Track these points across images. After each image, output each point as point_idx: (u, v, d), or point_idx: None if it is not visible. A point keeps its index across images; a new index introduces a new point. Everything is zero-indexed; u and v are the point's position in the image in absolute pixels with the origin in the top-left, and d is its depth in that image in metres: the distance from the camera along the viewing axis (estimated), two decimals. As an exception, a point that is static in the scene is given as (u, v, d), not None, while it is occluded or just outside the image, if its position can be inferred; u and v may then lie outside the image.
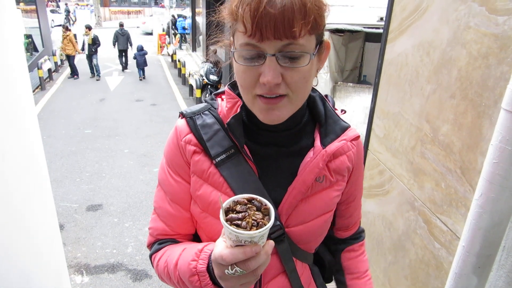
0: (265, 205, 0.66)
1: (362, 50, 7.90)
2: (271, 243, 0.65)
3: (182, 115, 0.86)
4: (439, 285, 1.28)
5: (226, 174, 0.80)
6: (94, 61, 10.94)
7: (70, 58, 10.91)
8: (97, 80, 10.93)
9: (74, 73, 10.99)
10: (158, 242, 0.90)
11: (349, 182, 0.91)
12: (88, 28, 10.92)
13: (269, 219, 0.63)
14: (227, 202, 0.65)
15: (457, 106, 1.17)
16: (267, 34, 0.64)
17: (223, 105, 0.85)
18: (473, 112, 1.10)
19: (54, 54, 11.85)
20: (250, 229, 0.61)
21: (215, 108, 0.86)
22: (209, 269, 0.72)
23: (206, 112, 0.85)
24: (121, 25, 11.88)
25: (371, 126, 1.80)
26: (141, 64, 10.67)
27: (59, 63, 12.17)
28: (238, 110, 0.80)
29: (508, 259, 0.98)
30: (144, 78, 10.99)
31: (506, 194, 0.89)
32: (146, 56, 10.71)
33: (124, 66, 11.96)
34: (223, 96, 0.87)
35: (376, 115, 1.75)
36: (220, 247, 0.64)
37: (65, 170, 5.25)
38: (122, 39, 11.42)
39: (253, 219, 0.62)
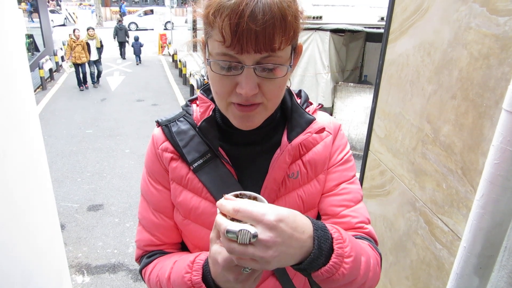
0: (252, 196, 0.67)
1: (363, 50, 7.91)
2: None
3: (157, 123, 0.87)
4: (440, 285, 1.28)
5: (204, 179, 0.80)
6: (100, 67, 10.19)
7: (82, 67, 9.62)
8: (95, 87, 10.11)
9: (85, 82, 9.78)
10: (147, 256, 0.90)
11: (328, 170, 0.87)
12: (92, 29, 9.91)
13: None
14: (219, 208, 0.65)
15: (458, 106, 1.16)
16: (248, 48, 0.63)
17: (197, 110, 0.86)
18: (474, 113, 1.09)
19: (55, 54, 11.85)
20: None
21: (190, 114, 0.86)
22: (205, 280, 0.71)
23: (181, 119, 0.85)
24: (120, 20, 14.42)
25: (372, 127, 1.80)
26: (137, 51, 13.17)
27: (60, 63, 12.17)
28: (210, 114, 0.81)
29: (510, 259, 0.98)
30: (140, 63, 13.44)
31: (507, 195, 0.89)
32: (141, 47, 13.29)
33: (123, 55, 14.20)
34: (198, 102, 0.87)
35: (377, 115, 1.75)
36: (226, 250, 0.62)
37: (66, 170, 5.26)
38: (120, 32, 13.67)
39: None
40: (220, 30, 0.63)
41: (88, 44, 9.52)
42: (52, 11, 24.64)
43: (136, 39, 13.02)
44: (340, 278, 0.63)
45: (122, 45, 13.90)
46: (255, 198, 0.67)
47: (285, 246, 0.57)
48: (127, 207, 4.39)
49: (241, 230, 0.54)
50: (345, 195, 0.85)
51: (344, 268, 0.63)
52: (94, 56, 9.83)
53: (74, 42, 9.22)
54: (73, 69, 9.58)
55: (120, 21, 14.27)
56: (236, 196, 0.67)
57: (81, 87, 9.76)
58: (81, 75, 9.65)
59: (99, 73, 10.28)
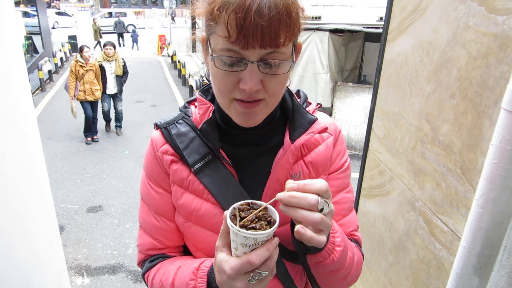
0: (262, 206, 0.67)
1: (362, 50, 7.93)
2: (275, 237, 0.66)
3: (156, 126, 0.86)
4: (440, 285, 1.28)
5: (205, 181, 0.80)
6: (119, 105, 6.42)
7: (94, 106, 6.00)
8: (118, 134, 6.65)
9: (94, 131, 6.34)
10: (149, 260, 0.90)
11: (331, 176, 0.88)
12: (112, 46, 6.01)
13: (274, 215, 0.66)
14: (229, 212, 0.65)
15: (457, 106, 1.16)
16: (253, 43, 0.63)
17: (196, 112, 0.86)
18: (473, 112, 1.09)
19: (54, 56, 11.84)
20: (265, 228, 0.63)
21: (189, 116, 0.86)
22: (210, 287, 0.71)
23: (180, 121, 0.85)
24: (118, 16, 20.01)
25: (371, 126, 1.79)
26: (135, 39, 17.48)
27: (59, 64, 12.15)
28: (210, 115, 0.81)
29: (510, 259, 0.97)
30: (138, 49, 17.56)
31: (507, 194, 0.88)
32: (138, 37, 17.66)
33: (122, 45, 18.26)
34: (196, 103, 0.87)
35: (376, 115, 1.75)
36: (233, 259, 0.63)
37: (65, 172, 5.26)
38: (119, 25, 18.24)
39: (263, 219, 0.65)
40: (226, 25, 0.63)
41: (102, 68, 5.89)
42: (60, 13, 24.59)
43: (134, 30, 18.01)
44: (330, 263, 0.70)
45: (120, 35, 18.36)
46: (265, 209, 0.67)
47: None
48: (127, 208, 4.38)
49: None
50: (343, 205, 0.88)
51: (334, 255, 0.70)
52: (111, 89, 6.07)
53: (81, 67, 5.61)
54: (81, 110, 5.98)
55: (118, 16, 19.75)
56: (248, 204, 0.67)
57: (88, 138, 6.24)
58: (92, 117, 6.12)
59: (118, 114, 6.51)
